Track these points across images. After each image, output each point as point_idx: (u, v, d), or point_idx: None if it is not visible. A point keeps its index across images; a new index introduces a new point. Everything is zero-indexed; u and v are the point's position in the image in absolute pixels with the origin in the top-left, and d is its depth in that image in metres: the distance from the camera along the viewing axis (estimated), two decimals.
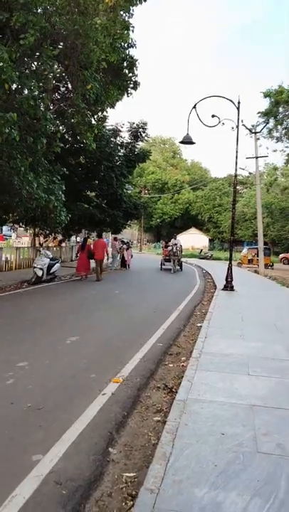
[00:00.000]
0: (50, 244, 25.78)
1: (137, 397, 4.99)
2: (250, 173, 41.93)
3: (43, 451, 3.58)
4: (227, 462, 3.37)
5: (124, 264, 25.09)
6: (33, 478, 3.20)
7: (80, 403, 4.63)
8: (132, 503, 2.96)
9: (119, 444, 3.88)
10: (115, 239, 25.50)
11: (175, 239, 23.97)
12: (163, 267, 24.84)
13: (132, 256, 27.10)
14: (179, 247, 23.53)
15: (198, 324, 9.20)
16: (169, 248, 23.35)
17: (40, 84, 14.90)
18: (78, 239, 32.03)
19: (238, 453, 3.52)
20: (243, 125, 25.37)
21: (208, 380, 5.29)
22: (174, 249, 22.78)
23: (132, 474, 3.37)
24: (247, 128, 26.19)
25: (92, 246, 18.38)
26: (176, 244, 22.89)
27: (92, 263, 17.97)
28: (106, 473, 3.39)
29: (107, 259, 20.28)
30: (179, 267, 24.35)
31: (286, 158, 31.83)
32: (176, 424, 4.03)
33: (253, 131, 26.56)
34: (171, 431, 3.88)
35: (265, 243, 32.97)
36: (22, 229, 30.51)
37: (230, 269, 15.24)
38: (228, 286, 15.07)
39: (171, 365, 6.34)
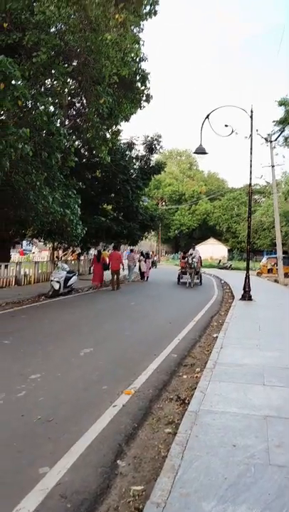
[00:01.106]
0: (68, 258, 25.98)
1: (149, 409, 4.92)
2: (267, 182, 41.64)
3: (51, 463, 3.55)
4: (237, 475, 3.27)
5: (142, 275, 25.03)
6: (38, 491, 3.16)
7: (90, 415, 4.59)
8: None
9: (129, 456, 3.82)
10: (132, 251, 25.64)
11: (194, 249, 22.26)
12: (181, 280, 22.23)
13: (150, 268, 27.04)
14: (198, 258, 21.52)
15: (215, 335, 9.07)
16: (190, 261, 20.87)
17: (56, 100, 15.22)
18: (95, 251, 32.27)
19: (250, 465, 3.41)
20: (258, 134, 25.29)
21: (221, 391, 5.19)
22: (190, 261, 20.62)
23: (139, 487, 3.30)
24: (262, 137, 26.09)
25: (107, 258, 19.33)
26: (191, 254, 21.12)
27: (109, 274, 18.52)
28: (113, 487, 3.33)
29: (123, 269, 20.80)
30: (198, 281, 22.21)
31: None
32: (187, 435, 3.94)
33: (269, 139, 26.44)
34: (181, 443, 3.80)
35: (285, 252, 32.54)
36: (42, 243, 30.91)
37: (247, 278, 15.06)
38: (246, 296, 14.87)
39: (184, 376, 6.25)
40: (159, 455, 3.83)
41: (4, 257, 18.27)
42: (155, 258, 41.78)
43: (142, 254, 26.54)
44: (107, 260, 19.23)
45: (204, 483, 3.15)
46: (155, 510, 2.81)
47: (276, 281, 26.67)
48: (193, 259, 20.78)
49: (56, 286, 15.07)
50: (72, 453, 3.74)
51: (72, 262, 24.43)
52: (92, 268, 20.49)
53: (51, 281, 15.38)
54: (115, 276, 18.68)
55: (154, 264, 37.62)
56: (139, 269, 25.07)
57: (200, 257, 22.37)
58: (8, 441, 3.94)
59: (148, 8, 12.38)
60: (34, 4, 12.51)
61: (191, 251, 22.04)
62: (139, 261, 25.28)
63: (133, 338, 8.74)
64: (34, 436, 4.09)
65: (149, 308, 13.20)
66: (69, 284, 15.94)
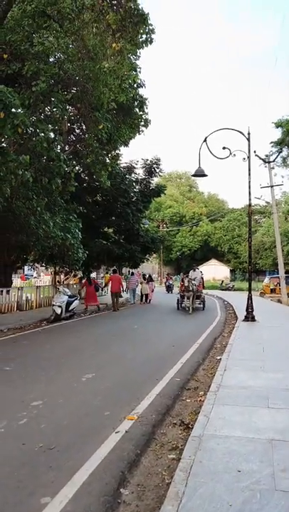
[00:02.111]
0: (70, 282, 26.00)
1: (152, 435, 4.84)
2: (267, 202, 41.93)
3: (52, 493, 3.47)
4: (243, 501, 3.20)
5: (145, 298, 25.02)
6: None
7: (92, 442, 4.51)
8: None
9: (132, 484, 3.74)
10: (132, 274, 25.72)
11: (194, 271, 20.86)
12: (181, 305, 19.94)
13: (153, 290, 26.96)
14: (199, 280, 19.93)
15: (218, 357, 8.98)
16: (185, 283, 18.44)
17: (56, 127, 15.52)
18: (95, 275, 32.25)
19: (255, 491, 3.34)
20: (256, 155, 25.60)
21: (225, 415, 5.11)
22: (187, 283, 18.23)
23: None
24: (260, 158, 26.42)
25: (108, 281, 20.92)
26: (188, 277, 19.17)
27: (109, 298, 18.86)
28: None
29: (123, 290, 21.61)
30: (200, 305, 20.16)
31: None
32: (191, 461, 3.87)
33: (267, 160, 26.74)
34: (184, 469, 3.72)
35: (287, 271, 32.45)
36: (43, 268, 30.96)
37: (250, 299, 14.99)
38: (249, 317, 14.77)
39: (188, 400, 6.17)
40: (162, 482, 3.76)
41: (6, 282, 18.28)
42: (171, 282, 39.35)
43: (143, 276, 26.65)
44: (108, 283, 20.51)
45: (209, 511, 3.07)
46: None
47: (279, 301, 26.55)
48: (193, 282, 18.83)
49: (58, 311, 15.02)
50: (74, 481, 3.67)
51: (74, 286, 24.42)
52: (83, 291, 20.97)
53: (53, 305, 15.34)
54: (116, 299, 19.68)
55: (169, 288, 36.76)
56: (141, 291, 25.09)
57: (202, 278, 20.87)
58: (8, 471, 3.87)
59: (144, 36, 12.71)
60: (33, 35, 12.89)
61: (191, 273, 20.61)
62: (141, 283, 25.38)
63: (136, 362, 8.66)
64: (35, 465, 4.02)
65: (151, 332, 13.12)
66: (71, 308, 15.89)
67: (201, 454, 4.01)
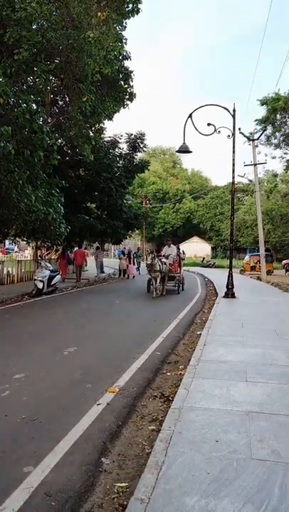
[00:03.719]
0: (52, 257, 25.84)
1: (133, 407, 4.95)
2: (250, 181, 42.03)
3: (35, 462, 3.55)
4: (220, 470, 3.32)
5: (123, 273, 26.47)
6: (22, 490, 3.16)
7: (74, 414, 4.59)
8: None
9: (113, 453, 3.84)
10: (98, 248, 27.39)
11: (169, 246, 17.92)
12: (151, 287, 16.12)
13: (138, 266, 27.90)
14: (174, 257, 17.19)
15: (198, 332, 9.14)
16: (148, 260, 15.42)
17: (39, 98, 15.10)
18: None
19: (232, 460, 3.46)
20: (241, 133, 25.53)
21: (204, 388, 5.24)
22: (152, 261, 14.98)
23: (124, 484, 3.33)
24: (245, 136, 26.33)
25: (72, 255, 22.83)
26: (153, 253, 15.61)
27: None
28: (98, 484, 3.35)
29: (86, 265, 23.46)
30: (175, 287, 17.37)
31: (285, 164, 31.85)
32: (171, 432, 3.98)
33: (251, 138, 26.66)
34: (164, 439, 3.83)
35: (268, 250, 32.91)
36: (24, 242, 30.61)
37: (230, 276, 15.19)
38: (229, 294, 15.01)
39: (168, 374, 6.29)
40: (143, 452, 3.86)
41: None
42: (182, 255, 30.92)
43: (122, 252, 27.35)
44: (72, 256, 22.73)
45: (187, 479, 3.19)
46: (139, 506, 2.84)
47: (259, 278, 26.95)
48: (162, 260, 16.00)
49: (40, 286, 14.98)
50: (56, 452, 3.74)
51: (56, 261, 24.30)
52: (57, 261, 22.77)
53: (35, 280, 15.29)
54: (78, 270, 21.51)
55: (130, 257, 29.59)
56: (119, 267, 26.03)
57: (179, 255, 17.86)
58: None
59: (130, 6, 12.36)
60: (15, 0, 12.38)
61: (165, 249, 17.89)
62: (120, 259, 26.20)
63: (117, 337, 8.76)
64: (18, 436, 4.08)
65: (133, 307, 13.22)
66: (52, 283, 15.86)
67: (180, 425, 4.12)
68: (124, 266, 26.52)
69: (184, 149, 15.10)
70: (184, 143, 14.95)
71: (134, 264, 29.69)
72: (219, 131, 14.90)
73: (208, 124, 14.87)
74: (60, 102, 19.02)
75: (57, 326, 9.87)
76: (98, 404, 4.88)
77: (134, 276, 26.16)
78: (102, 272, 26.38)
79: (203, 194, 71.94)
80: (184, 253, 21.60)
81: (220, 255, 65.62)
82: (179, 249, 18.83)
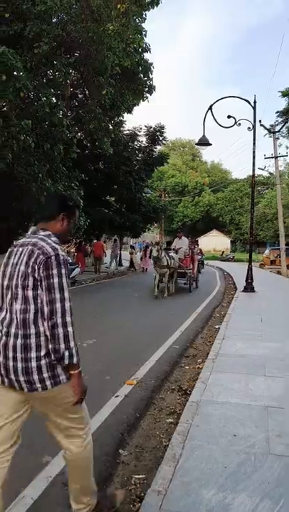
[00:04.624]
0: (71, 250, 26.04)
1: (151, 399, 4.97)
2: (270, 174, 41.49)
3: (54, 453, 3.58)
4: (237, 464, 3.32)
5: (132, 266, 27.04)
6: (42, 479, 3.21)
7: (92, 405, 4.58)
8: (139, 504, 2.94)
9: (130, 445, 3.87)
10: (114, 241, 27.20)
11: (180, 239, 16.12)
12: (158, 287, 13.85)
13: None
14: (185, 251, 15.39)
15: (217, 326, 9.11)
16: (154, 253, 13.31)
17: (58, 92, 15.16)
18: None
19: (250, 454, 3.46)
20: (262, 125, 25.11)
21: (222, 382, 5.23)
22: (156, 253, 13.18)
23: (141, 476, 3.35)
24: (265, 128, 25.91)
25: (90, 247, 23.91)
26: (158, 245, 14.06)
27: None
28: (115, 475, 3.38)
29: (105, 256, 24.12)
30: (186, 285, 15.55)
31: None
32: (188, 425, 3.99)
33: (272, 130, 26.27)
34: (182, 432, 3.84)
35: (288, 243, 32.46)
36: None
37: (250, 270, 15.07)
38: (249, 288, 14.89)
39: (186, 367, 6.30)
40: (160, 444, 3.88)
41: (7, 248, 18.31)
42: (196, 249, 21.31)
43: (132, 247, 27.51)
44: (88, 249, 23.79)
45: (205, 472, 3.19)
46: (156, 498, 2.86)
47: (279, 272, 26.67)
48: (170, 254, 14.21)
49: None
50: None
51: (75, 254, 24.48)
52: (75, 256, 23.09)
53: None
54: (97, 262, 22.33)
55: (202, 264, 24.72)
56: (132, 260, 26.19)
57: (191, 249, 15.98)
58: None
59: None
60: None
61: (175, 241, 16.13)
62: (131, 253, 26.32)
63: (135, 329, 8.80)
64: (38, 426, 4.12)
65: (150, 300, 13.23)
66: (72, 275, 15.99)
67: (198, 419, 4.13)
68: (135, 260, 27.19)
69: (204, 142, 14.99)
70: (204, 135, 14.84)
71: (150, 257, 29.82)
72: (239, 124, 14.74)
73: (229, 117, 14.71)
74: (80, 96, 19.04)
75: (76, 318, 9.88)
76: (116, 396, 4.92)
77: (146, 270, 26.24)
78: (121, 264, 26.55)
79: (222, 187, 71.33)
80: (200, 252, 21.01)
81: (239, 249, 65.09)
82: (197, 244, 18.17)
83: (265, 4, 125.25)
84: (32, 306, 2.28)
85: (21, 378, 2.30)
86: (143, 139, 25.88)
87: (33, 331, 2.28)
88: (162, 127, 25.70)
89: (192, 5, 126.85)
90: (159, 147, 27.50)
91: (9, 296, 2.34)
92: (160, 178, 69.17)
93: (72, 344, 2.30)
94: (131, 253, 27.74)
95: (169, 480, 3.08)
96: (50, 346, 2.27)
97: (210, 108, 14.56)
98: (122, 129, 23.03)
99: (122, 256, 29.01)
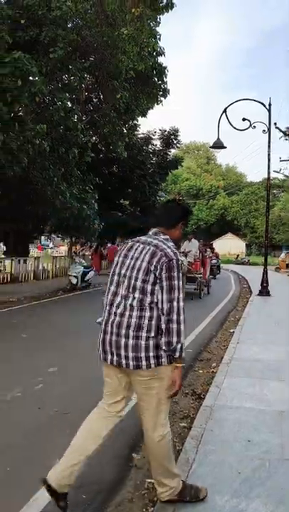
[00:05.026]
0: (86, 253, 26.19)
1: None
2: (286, 176, 41.16)
3: None
4: (252, 469, 3.27)
5: None
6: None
7: None
8: (152, 509, 2.92)
9: (144, 449, 3.84)
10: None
11: (190, 241, 14.96)
12: None
13: None
14: (194, 254, 14.49)
15: (231, 330, 9.04)
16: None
17: (73, 96, 15.32)
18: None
19: (264, 460, 3.41)
20: (277, 128, 24.95)
21: (237, 386, 5.18)
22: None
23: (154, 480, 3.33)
24: (281, 130, 25.72)
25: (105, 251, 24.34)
26: (183, 252, 13.45)
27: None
28: (128, 479, 3.36)
29: None
30: (197, 290, 14.52)
31: None
32: (202, 430, 3.95)
33: (287, 133, 26.07)
34: (195, 437, 3.81)
35: None
36: (59, 239, 31.17)
37: (265, 273, 14.94)
38: (264, 292, 14.76)
39: (200, 371, 6.25)
40: (173, 449, 3.84)
41: (23, 251, 18.50)
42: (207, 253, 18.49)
43: None
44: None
45: (218, 477, 3.16)
46: (168, 503, 2.83)
47: None
48: (180, 258, 11.40)
49: (74, 281, 15.21)
50: None
51: (90, 257, 24.61)
52: (91, 258, 23.73)
53: (69, 275, 15.54)
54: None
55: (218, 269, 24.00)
56: None
57: (201, 252, 15.36)
58: (24, 434, 4.02)
59: (164, 1, 12.29)
60: (51, 0, 12.58)
61: (185, 244, 14.65)
62: None
63: None
64: (50, 429, 4.16)
65: None
66: (86, 278, 16.07)
67: (212, 423, 4.09)
68: None
69: (218, 145, 14.94)
70: (218, 138, 14.79)
71: None
72: (254, 126, 14.67)
73: (244, 119, 14.65)
74: (95, 100, 19.21)
75: (90, 321, 9.93)
76: (131, 399, 4.89)
77: None
78: None
79: (237, 190, 70.98)
80: (217, 256, 20.07)
81: (254, 252, 64.62)
82: (212, 248, 17.22)
83: (280, 6, 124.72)
84: (149, 297, 2.59)
85: (130, 354, 2.59)
86: (157, 143, 25.97)
87: (147, 314, 2.59)
88: (176, 130, 25.75)
89: (205, 7, 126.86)
90: (173, 150, 27.58)
91: (126, 284, 2.67)
92: (174, 181, 69.16)
93: (182, 339, 2.62)
94: None
95: None
96: (164, 339, 2.58)
97: (224, 111, 14.52)
98: (136, 132, 23.12)
99: None
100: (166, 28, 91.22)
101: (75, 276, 15.31)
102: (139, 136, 24.68)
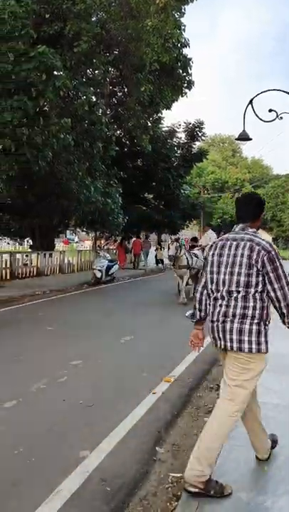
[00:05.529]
0: (110, 247, 26.29)
1: (189, 397, 4.91)
2: None
3: (91, 447, 3.61)
4: (278, 466, 3.21)
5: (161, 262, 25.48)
6: (78, 474, 3.22)
7: (130, 401, 4.63)
8: (176, 503, 2.89)
9: (167, 443, 3.82)
10: (146, 237, 26.31)
11: (205, 233, 13.92)
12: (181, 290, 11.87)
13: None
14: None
15: None
16: (171, 251, 11.35)
17: (98, 90, 15.33)
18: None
19: None
20: None
21: (263, 381, 5.01)
22: (174, 251, 11.26)
23: (178, 474, 3.30)
24: None
25: (130, 244, 24.15)
26: (192, 246, 12.62)
27: None
28: (152, 472, 3.35)
29: (142, 254, 23.99)
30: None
31: None
32: None
33: None
34: None
35: None
36: (84, 233, 31.36)
37: None
38: None
39: None
40: None
41: (48, 246, 18.70)
42: None
43: (159, 243, 26.72)
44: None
45: (243, 474, 3.11)
46: (193, 498, 2.80)
47: None
48: (193, 252, 12.13)
49: (98, 275, 15.29)
50: (111, 438, 3.79)
51: (114, 251, 24.69)
52: (116, 252, 23.55)
53: (93, 269, 15.62)
54: (136, 258, 23.21)
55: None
56: (156, 256, 25.15)
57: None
58: (49, 425, 4.04)
59: None
60: None
61: (205, 235, 13.46)
62: (156, 249, 25.66)
63: (174, 326, 8.73)
64: (75, 420, 4.18)
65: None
66: (110, 272, 16.11)
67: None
68: (160, 256, 26.22)
69: (244, 137, 14.67)
70: (244, 130, 14.52)
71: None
72: (281, 117, 14.32)
73: (270, 110, 14.32)
74: (119, 93, 19.18)
75: (114, 314, 10.02)
76: (153, 393, 4.89)
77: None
78: (158, 262, 25.82)
79: (263, 183, 69.91)
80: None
81: (281, 246, 63.59)
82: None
83: None
84: (252, 289, 2.80)
85: (234, 337, 2.82)
86: (182, 136, 25.75)
87: (251, 304, 2.81)
88: (201, 123, 25.45)
89: None
90: (198, 143, 27.28)
91: (227, 279, 2.87)
92: (199, 174, 68.54)
93: None
94: (157, 249, 26.91)
95: None
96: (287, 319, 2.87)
97: (250, 102, 14.22)
98: (160, 125, 22.99)
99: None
100: (191, 17, 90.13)
101: (99, 270, 15.37)
102: (163, 129, 24.52)
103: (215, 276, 2.95)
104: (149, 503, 2.96)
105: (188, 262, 11.52)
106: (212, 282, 2.98)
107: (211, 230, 14.19)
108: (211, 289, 2.99)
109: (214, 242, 3.09)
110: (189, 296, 11.55)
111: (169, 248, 12.23)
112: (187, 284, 11.99)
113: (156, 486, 3.16)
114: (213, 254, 3.01)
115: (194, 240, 14.99)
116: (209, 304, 3.03)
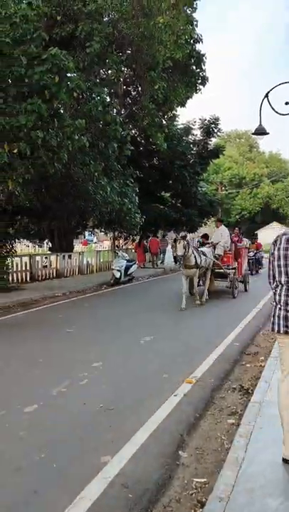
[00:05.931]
0: (128, 247, 26.26)
1: (211, 399, 4.82)
2: None
3: (112, 452, 3.55)
4: None
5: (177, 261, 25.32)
6: (100, 479, 3.16)
7: (151, 404, 4.56)
8: (201, 510, 2.81)
9: (190, 447, 3.75)
10: (163, 237, 26.75)
11: (218, 228, 13.18)
12: (196, 287, 11.66)
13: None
14: (223, 245, 12.29)
15: None
16: (179, 250, 10.40)
17: (111, 90, 15.30)
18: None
19: None
20: None
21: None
22: (181, 251, 10.34)
23: (202, 480, 3.22)
24: None
25: (147, 244, 23.50)
26: (182, 238, 10.77)
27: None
28: (175, 478, 3.28)
29: (160, 253, 24.15)
30: (231, 288, 12.43)
31: None
32: (251, 427, 3.80)
33: None
34: (244, 434, 3.67)
35: None
36: (102, 233, 31.44)
37: None
38: None
39: (248, 365, 6.07)
40: (221, 447, 3.73)
41: (67, 247, 18.77)
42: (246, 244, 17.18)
43: (175, 241, 26.34)
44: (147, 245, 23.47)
45: (270, 479, 3.01)
46: (218, 505, 2.72)
47: None
48: (202, 250, 11.48)
49: (117, 275, 15.26)
50: (133, 442, 3.73)
51: (133, 250, 24.66)
52: (135, 251, 23.37)
53: (112, 269, 15.61)
54: (154, 257, 23.08)
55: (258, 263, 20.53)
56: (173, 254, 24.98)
57: (234, 242, 13.04)
58: (70, 430, 4.01)
59: None
60: None
61: (217, 231, 12.92)
62: (172, 247, 25.32)
63: (193, 327, 8.64)
64: (95, 424, 4.13)
65: (209, 296, 12.96)
66: (129, 272, 16.07)
67: (261, 420, 3.93)
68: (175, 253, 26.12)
69: (261, 131, 14.45)
70: (260, 124, 14.30)
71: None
72: None
73: (287, 103, 14.06)
74: (133, 93, 19.10)
75: (134, 314, 9.96)
76: (175, 395, 4.81)
77: None
78: (175, 261, 25.85)
79: (282, 177, 68.97)
80: (257, 246, 19.32)
81: None
82: (254, 239, 15.97)
83: None
84: None
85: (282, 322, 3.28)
86: (197, 132, 25.50)
87: None
88: (217, 119, 25.15)
89: None
90: (214, 140, 27.00)
91: (283, 271, 3.28)
92: (216, 171, 67.95)
93: None
94: (172, 246, 26.53)
95: (231, 486, 2.92)
96: None
97: (266, 95, 13.99)
98: (175, 123, 22.83)
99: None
100: (203, 11, 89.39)
101: (118, 270, 15.35)
102: (178, 126, 24.35)
103: (276, 269, 3.35)
104: (173, 510, 2.89)
105: (196, 261, 10.72)
106: (274, 275, 3.39)
107: (223, 225, 13.47)
108: (275, 280, 3.37)
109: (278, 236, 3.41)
110: (202, 298, 11.35)
111: (172, 247, 11.66)
112: (198, 284, 11.67)
113: (180, 492, 3.09)
114: (272, 249, 3.38)
115: (205, 236, 14.29)
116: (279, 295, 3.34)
